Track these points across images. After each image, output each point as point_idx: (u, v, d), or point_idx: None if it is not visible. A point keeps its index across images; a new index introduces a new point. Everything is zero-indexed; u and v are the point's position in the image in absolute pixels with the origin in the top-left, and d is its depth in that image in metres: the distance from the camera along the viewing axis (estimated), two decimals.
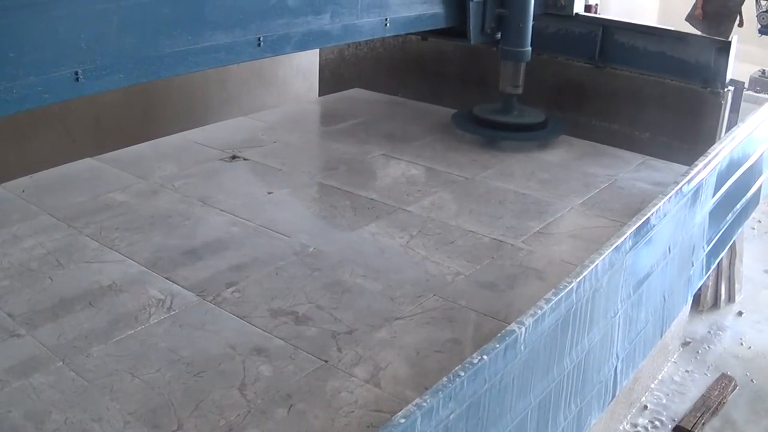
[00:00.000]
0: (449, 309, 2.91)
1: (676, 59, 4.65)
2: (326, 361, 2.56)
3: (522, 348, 2.02)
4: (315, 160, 4.59)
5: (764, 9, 9.23)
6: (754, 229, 6.14)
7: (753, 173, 4.14)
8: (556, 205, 3.88)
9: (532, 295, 2.83)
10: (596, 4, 5.59)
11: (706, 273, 3.80)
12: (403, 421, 1.64)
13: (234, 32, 3.19)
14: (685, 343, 4.66)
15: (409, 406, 1.70)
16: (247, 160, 4.31)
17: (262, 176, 4.13)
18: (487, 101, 4.93)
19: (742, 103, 4.63)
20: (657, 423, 4.00)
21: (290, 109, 5.70)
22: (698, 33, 7.52)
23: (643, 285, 2.86)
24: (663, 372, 4.38)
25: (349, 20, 3.71)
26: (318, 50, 6.18)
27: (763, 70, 9.61)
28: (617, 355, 2.78)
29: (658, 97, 4.72)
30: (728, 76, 4.52)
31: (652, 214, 2.72)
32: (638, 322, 2.90)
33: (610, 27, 4.92)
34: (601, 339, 2.58)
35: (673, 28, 4.90)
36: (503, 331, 1.98)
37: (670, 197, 2.87)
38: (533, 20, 4.63)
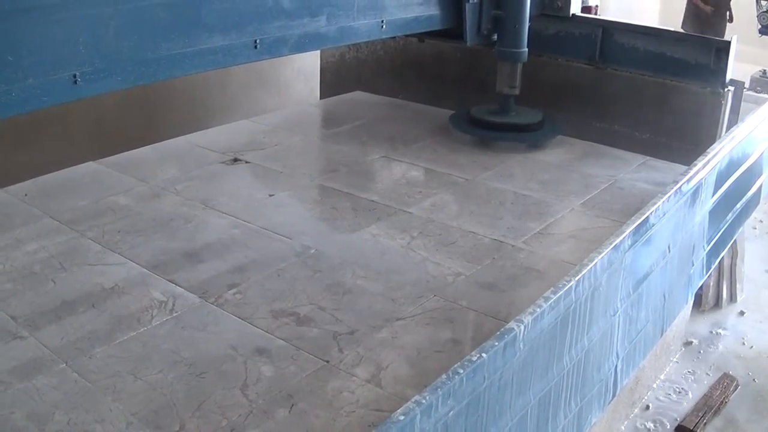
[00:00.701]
0: (450, 309, 2.93)
1: (676, 59, 4.65)
2: (327, 362, 2.57)
3: (521, 346, 2.03)
4: (316, 162, 4.61)
5: (764, 9, 9.24)
6: (755, 229, 6.15)
7: (753, 173, 4.14)
8: (557, 206, 3.89)
9: (533, 295, 2.81)
10: (596, 6, 5.60)
11: (707, 272, 3.81)
12: (402, 417, 1.66)
13: (230, 35, 3.21)
14: (687, 343, 4.67)
15: (409, 403, 1.71)
16: (249, 162, 4.33)
17: (263, 179, 4.14)
18: (487, 102, 4.94)
19: (743, 103, 4.63)
20: (659, 423, 4.01)
21: (291, 112, 5.72)
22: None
23: (642, 284, 2.87)
24: (665, 372, 4.39)
25: (345, 22, 3.73)
26: (319, 53, 6.20)
27: (764, 70, 9.63)
28: (617, 353, 2.79)
29: (658, 98, 4.72)
30: (728, 76, 4.52)
31: (651, 213, 2.73)
32: (638, 321, 2.91)
33: (610, 28, 4.93)
34: (601, 338, 2.60)
35: (672, 29, 4.91)
36: (502, 329, 1.99)
37: (669, 196, 2.88)
38: (530, 21, 4.64)
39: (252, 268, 3.17)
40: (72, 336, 2.62)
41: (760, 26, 9.40)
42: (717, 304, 5.05)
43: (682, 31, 8.22)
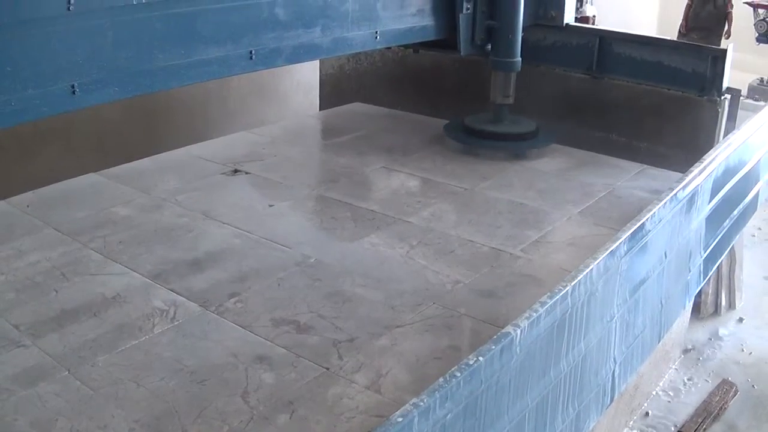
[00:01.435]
0: (449, 317, 2.95)
1: (673, 68, 4.70)
2: (327, 369, 2.59)
3: (518, 350, 2.05)
4: (315, 173, 4.64)
5: (761, 17, 9.29)
6: (754, 236, 6.18)
7: (750, 179, 4.17)
8: (554, 214, 3.92)
9: (531, 302, 2.81)
10: (593, 16, 5.65)
11: (704, 279, 3.83)
12: (400, 419, 1.68)
13: (226, 46, 3.27)
14: (686, 350, 4.69)
15: (407, 405, 1.73)
16: (249, 173, 4.36)
17: (263, 189, 4.17)
18: (485, 112, 4.98)
19: (740, 111, 4.67)
20: (658, 429, 4.03)
21: (291, 123, 5.75)
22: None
23: (639, 290, 2.90)
24: (664, 378, 4.41)
25: (339, 33, 3.79)
26: (318, 65, 6.25)
27: (761, 78, 9.67)
28: (615, 359, 2.81)
29: (655, 107, 4.77)
30: (725, 84, 4.56)
31: (646, 220, 2.76)
32: (636, 326, 2.93)
33: (607, 38, 4.97)
34: (598, 342, 2.62)
35: (669, 38, 4.95)
36: (499, 333, 2.02)
37: (665, 203, 2.91)
38: (524, 31, 4.69)
39: (252, 277, 3.20)
40: (74, 344, 2.65)
41: (757, 34, 9.45)
42: (716, 311, 5.08)
43: (678, 40, 8.28)
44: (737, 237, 4.53)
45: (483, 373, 1.93)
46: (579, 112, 5.07)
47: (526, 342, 2.09)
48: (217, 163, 4.48)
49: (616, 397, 2.95)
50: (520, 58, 4.68)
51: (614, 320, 2.71)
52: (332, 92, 6.27)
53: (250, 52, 3.37)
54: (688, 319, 4.68)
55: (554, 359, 2.36)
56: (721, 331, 4.92)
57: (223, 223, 3.69)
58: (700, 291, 4.40)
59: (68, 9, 2.65)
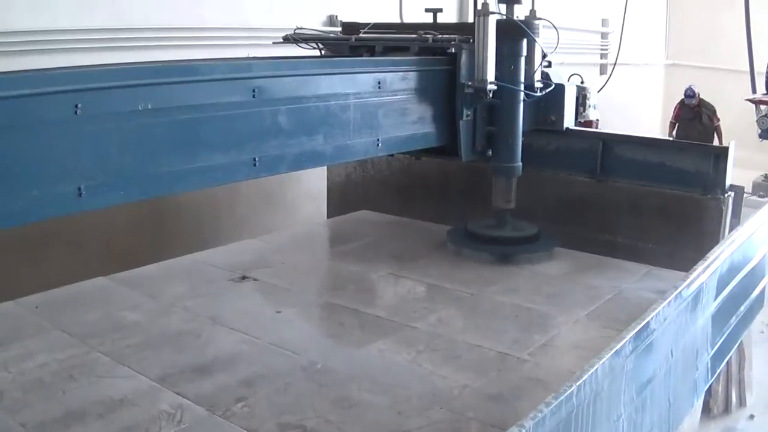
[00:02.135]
0: (456, 421, 2.93)
1: (676, 169, 4.80)
2: None
3: None
4: (323, 279, 4.68)
5: (764, 113, 9.42)
6: (762, 332, 6.14)
7: (755, 275, 4.19)
8: (561, 317, 3.93)
9: (538, 405, 2.84)
10: (597, 120, 5.77)
11: (712, 376, 3.81)
12: None
13: (230, 153, 3.35)
14: None
15: None
16: (257, 280, 4.40)
17: (271, 296, 4.21)
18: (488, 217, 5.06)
19: (744, 208, 4.73)
20: None
21: (298, 231, 5.83)
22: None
23: (646, 389, 2.88)
24: None
25: (341, 141, 3.88)
26: (325, 173, 6.38)
27: (766, 175, 9.73)
28: None
29: (659, 207, 4.83)
30: (728, 182, 4.63)
31: (651, 319, 2.77)
32: (643, 425, 2.91)
33: (610, 141, 5.09)
34: None
35: (671, 138, 5.06)
36: None
37: (670, 302, 2.92)
38: (524, 136, 4.80)
39: (260, 382, 3.19)
40: None
41: (760, 131, 9.56)
42: (726, 408, 5.00)
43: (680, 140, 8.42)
44: (744, 333, 4.50)
45: None
46: (583, 215, 5.13)
47: None
48: (224, 269, 4.53)
49: None
50: (520, 163, 4.78)
51: (621, 419, 2.69)
52: (340, 200, 6.37)
53: (254, 159, 3.45)
54: (699, 418, 4.60)
55: None
56: (733, 429, 4.83)
57: (231, 329, 3.70)
58: (710, 389, 4.34)
59: (75, 113, 2.74)
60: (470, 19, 4.73)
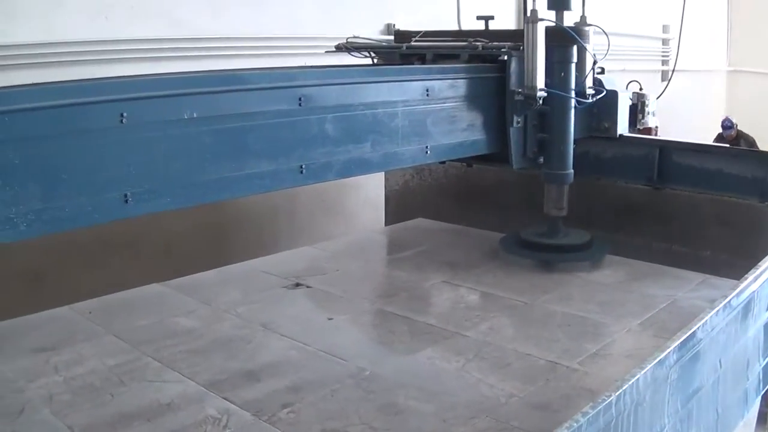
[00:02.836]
0: (501, 429, 2.91)
1: (733, 176, 4.70)
2: None
3: None
4: (376, 287, 4.69)
5: None
6: None
7: None
8: (614, 326, 3.87)
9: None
10: (656, 127, 5.68)
11: (765, 387, 3.70)
12: None
13: (277, 161, 3.39)
14: None
15: None
16: (310, 287, 4.44)
17: (323, 303, 4.24)
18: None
19: None
20: None
21: (353, 238, 5.88)
22: None
23: (692, 399, 2.83)
24: None
25: (389, 149, 3.88)
26: (384, 181, 6.41)
27: None
28: None
29: (716, 215, 4.74)
30: None
31: (698, 329, 2.71)
32: None
33: (667, 148, 5.01)
34: None
35: (728, 145, 4.97)
36: None
37: (718, 311, 2.86)
38: (577, 144, 4.76)
39: (307, 388, 3.22)
40: None
41: None
42: None
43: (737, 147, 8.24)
44: None
45: None
46: (640, 223, 5.06)
47: None
48: (278, 276, 4.58)
49: None
50: (572, 171, 4.73)
51: (665, 430, 2.64)
52: (397, 208, 6.40)
53: (301, 167, 3.48)
54: (754, 427, 4.48)
55: None
56: None
57: (282, 336, 3.74)
58: (766, 398, 4.22)
59: (121, 122, 2.81)
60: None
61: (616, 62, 8.13)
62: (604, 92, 4.74)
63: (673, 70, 6.12)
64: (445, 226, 5.81)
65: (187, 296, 4.22)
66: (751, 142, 10.35)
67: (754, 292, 3.19)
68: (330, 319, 4.01)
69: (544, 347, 3.64)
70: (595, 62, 4.58)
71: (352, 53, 4.77)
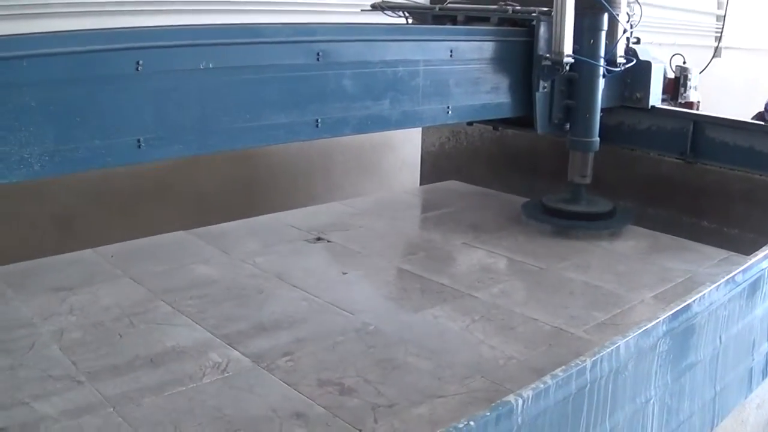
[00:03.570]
0: (494, 391, 2.94)
1: (765, 154, 4.60)
2: (360, 430, 2.64)
3: (518, 420, 2.05)
4: (396, 245, 4.72)
5: None
6: None
7: None
8: (627, 297, 3.86)
9: None
10: (698, 102, 5.58)
11: None
12: None
13: (292, 113, 3.43)
14: None
15: None
16: (330, 242, 4.51)
17: (341, 258, 4.30)
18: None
19: None
20: None
21: (382, 197, 5.92)
22: None
23: (687, 374, 2.82)
24: None
25: (409, 107, 3.90)
26: (420, 142, 6.42)
27: None
28: None
29: (746, 193, 4.68)
30: None
31: (693, 302, 2.70)
32: (680, 412, 2.84)
33: (701, 122, 4.94)
34: (629, 423, 2.56)
35: (761, 122, 4.87)
36: (498, 401, 2.03)
37: (719, 285, 2.84)
38: (606, 112, 4.74)
39: (309, 339, 3.29)
40: (125, 386, 2.81)
41: None
42: None
43: None
44: None
45: None
46: (671, 196, 5.02)
47: (531, 414, 2.08)
48: (301, 230, 4.66)
49: None
50: (597, 138, 4.70)
51: (651, 402, 2.64)
52: (432, 170, 6.41)
53: (316, 120, 3.53)
54: None
55: None
56: None
57: (294, 287, 3.82)
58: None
59: (137, 70, 2.90)
60: None
61: (666, 35, 7.93)
62: (634, 62, 4.67)
63: (717, 46, 5.98)
64: (475, 189, 5.82)
65: (208, 244, 4.32)
66: None
67: (763, 269, 3.14)
68: (344, 273, 4.07)
69: (551, 313, 3.65)
70: (625, 30, 4.51)
71: (386, 12, 4.78)
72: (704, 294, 2.76)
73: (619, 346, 2.38)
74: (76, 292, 3.61)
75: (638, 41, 4.78)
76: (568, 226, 4.78)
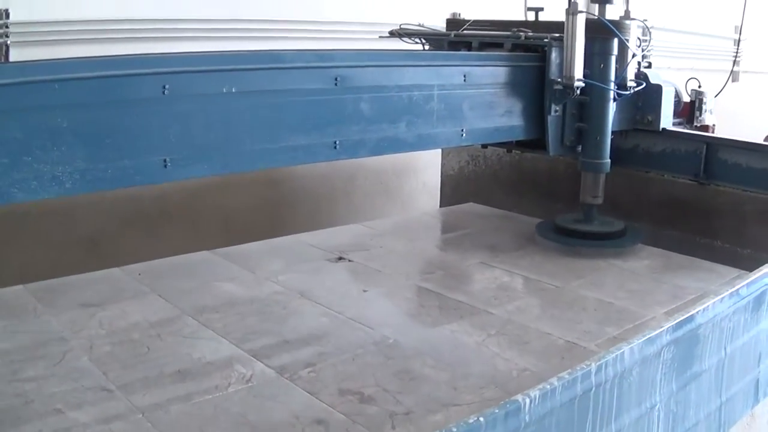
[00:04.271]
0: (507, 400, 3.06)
1: None
2: None
3: (526, 418, 2.16)
4: (415, 265, 4.85)
5: None
6: None
7: None
8: (639, 313, 3.95)
9: None
10: (713, 125, 5.70)
11: None
12: None
13: (311, 135, 3.58)
14: None
15: None
16: (352, 261, 4.65)
17: (361, 276, 4.43)
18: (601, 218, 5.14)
19: None
20: None
21: (402, 219, 6.05)
22: None
23: (692, 383, 2.91)
24: None
25: (424, 130, 4.04)
26: (440, 166, 6.56)
27: None
28: None
29: (759, 213, 4.76)
30: None
31: (697, 313, 2.80)
32: (686, 419, 2.94)
33: (714, 144, 5.04)
34: (635, 427, 2.66)
35: None
36: (506, 400, 2.15)
37: (723, 298, 2.94)
38: (616, 134, 4.88)
39: (331, 352, 3.42)
40: (154, 395, 2.94)
41: None
42: None
43: None
44: None
45: None
46: (685, 218, 5.11)
47: (538, 413, 2.20)
48: (323, 250, 4.80)
49: None
50: (608, 160, 4.83)
51: (656, 408, 2.74)
52: (452, 193, 6.54)
53: (335, 143, 3.68)
54: None
55: None
56: None
57: (316, 303, 3.95)
58: None
59: (163, 93, 3.07)
60: None
61: (684, 60, 8.04)
62: (644, 85, 4.79)
63: (732, 70, 6.09)
64: (494, 211, 5.94)
65: (233, 263, 4.47)
66: None
67: None
68: (365, 291, 4.20)
69: (565, 328, 3.76)
70: (634, 55, 4.64)
71: (403, 39, 4.94)
72: (708, 305, 2.87)
73: (623, 352, 2.49)
74: (105, 307, 3.76)
75: (649, 65, 4.91)
76: (578, 245, 4.90)
